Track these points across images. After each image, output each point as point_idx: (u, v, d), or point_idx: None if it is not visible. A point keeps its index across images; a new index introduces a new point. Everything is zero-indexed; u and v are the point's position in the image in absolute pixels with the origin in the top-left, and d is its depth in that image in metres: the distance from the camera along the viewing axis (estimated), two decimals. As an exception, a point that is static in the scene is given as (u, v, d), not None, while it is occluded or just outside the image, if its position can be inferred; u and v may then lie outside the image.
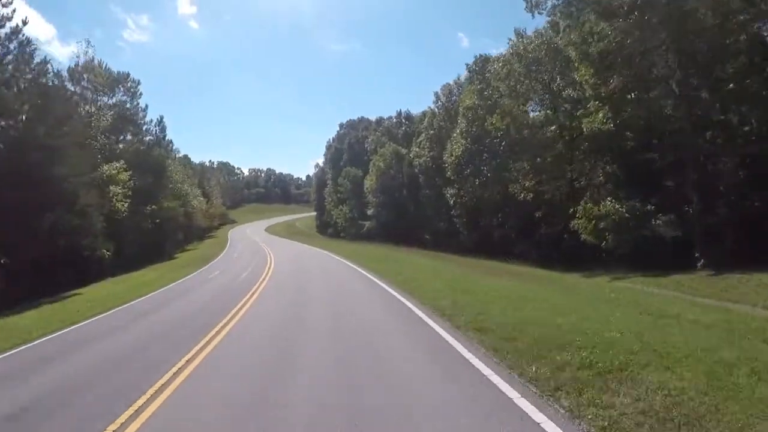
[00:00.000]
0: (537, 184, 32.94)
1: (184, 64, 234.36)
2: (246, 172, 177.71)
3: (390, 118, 71.60)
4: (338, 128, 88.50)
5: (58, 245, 23.41)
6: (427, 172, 48.67)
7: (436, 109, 50.65)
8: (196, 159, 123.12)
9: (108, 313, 13.53)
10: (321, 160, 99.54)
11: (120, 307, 14.50)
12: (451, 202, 40.98)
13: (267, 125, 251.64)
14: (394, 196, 55.04)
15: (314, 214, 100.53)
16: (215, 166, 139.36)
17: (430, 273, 18.14)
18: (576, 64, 23.73)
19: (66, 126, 25.74)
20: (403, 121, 67.70)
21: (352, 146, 75.61)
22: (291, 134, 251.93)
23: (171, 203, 43.20)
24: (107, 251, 28.69)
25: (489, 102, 36.13)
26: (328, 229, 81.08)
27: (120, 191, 32.90)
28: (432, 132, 48.50)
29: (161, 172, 41.70)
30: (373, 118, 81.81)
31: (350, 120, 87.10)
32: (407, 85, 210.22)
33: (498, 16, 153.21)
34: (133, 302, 15.50)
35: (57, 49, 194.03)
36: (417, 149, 50.83)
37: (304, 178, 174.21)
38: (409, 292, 12.58)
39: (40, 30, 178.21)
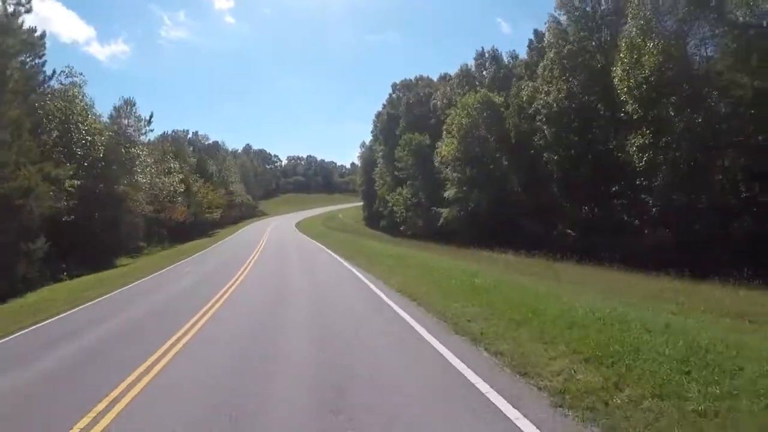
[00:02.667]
0: None
1: (221, 58, 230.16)
2: (284, 160, 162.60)
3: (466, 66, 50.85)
4: (390, 91, 68.69)
5: None
6: (556, 121, 28.49)
7: (563, 19, 30.09)
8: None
9: None
10: (368, 140, 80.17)
11: None
12: (640, 161, 20.67)
13: (308, 116, 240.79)
14: (488, 167, 35.16)
15: (362, 203, 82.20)
16: (239, 151, 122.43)
17: None
18: None
19: None
20: (487, 65, 47.33)
21: (411, 108, 55.93)
22: (333, 124, 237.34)
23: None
24: None
25: None
26: (380, 222, 62.43)
27: None
28: (565, 52, 28.20)
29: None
30: (435, 77, 61.77)
31: (405, 80, 66.84)
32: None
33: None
34: None
35: (96, 49, 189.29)
36: (534, 85, 30.71)
37: (348, 166, 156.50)
38: None
39: (78, 32, 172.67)
